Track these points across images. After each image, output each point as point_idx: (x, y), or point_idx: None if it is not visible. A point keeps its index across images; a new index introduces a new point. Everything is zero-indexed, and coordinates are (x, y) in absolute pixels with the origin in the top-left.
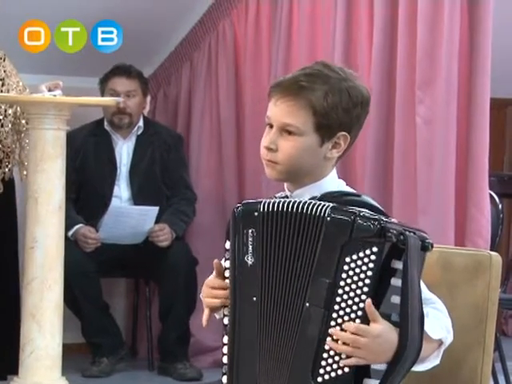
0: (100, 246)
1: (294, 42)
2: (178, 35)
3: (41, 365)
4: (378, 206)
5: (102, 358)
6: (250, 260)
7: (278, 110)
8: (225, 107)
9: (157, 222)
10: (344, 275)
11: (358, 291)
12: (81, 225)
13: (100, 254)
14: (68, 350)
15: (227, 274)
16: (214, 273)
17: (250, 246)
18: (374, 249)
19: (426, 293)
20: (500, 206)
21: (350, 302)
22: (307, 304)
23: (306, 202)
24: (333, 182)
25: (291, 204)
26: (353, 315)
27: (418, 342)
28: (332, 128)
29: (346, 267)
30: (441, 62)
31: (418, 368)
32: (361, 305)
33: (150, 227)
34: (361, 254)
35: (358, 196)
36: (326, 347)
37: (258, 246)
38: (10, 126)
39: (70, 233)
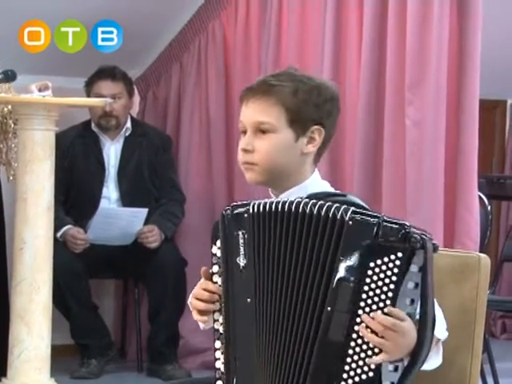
0: (89, 247)
1: (284, 43)
2: (167, 36)
3: (29, 366)
4: (365, 205)
5: (91, 360)
6: (242, 262)
7: (250, 111)
8: (214, 108)
9: (146, 223)
10: (368, 280)
11: (383, 296)
12: (69, 226)
13: (89, 255)
14: (56, 352)
15: (215, 278)
16: (202, 280)
17: (242, 248)
18: (399, 254)
19: None
20: (489, 208)
21: (374, 307)
22: (329, 308)
23: (303, 202)
24: (316, 184)
25: (281, 204)
26: None
27: (430, 344)
28: (305, 123)
29: (369, 272)
30: (430, 63)
31: (424, 367)
32: (385, 310)
33: (139, 228)
34: (385, 259)
35: (344, 196)
36: (350, 352)
37: (250, 248)
38: None
39: (59, 234)
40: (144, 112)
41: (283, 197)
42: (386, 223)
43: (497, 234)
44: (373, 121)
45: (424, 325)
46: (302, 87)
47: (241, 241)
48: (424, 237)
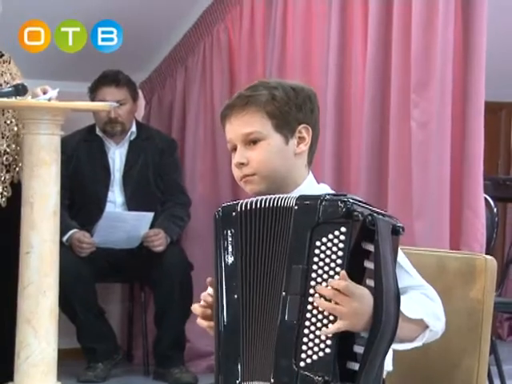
0: (95, 251)
1: (289, 46)
2: (172, 40)
3: (36, 370)
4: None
5: (97, 364)
6: (230, 259)
7: (234, 127)
8: (219, 112)
9: (151, 226)
10: (316, 259)
11: (331, 272)
12: (75, 230)
13: (95, 259)
14: (63, 356)
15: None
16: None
17: (230, 246)
18: (343, 229)
19: (417, 279)
20: (495, 210)
21: (324, 285)
22: (283, 293)
23: (275, 197)
24: (313, 187)
25: (263, 201)
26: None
27: (394, 321)
28: (290, 124)
29: (317, 251)
30: (435, 65)
31: (399, 347)
32: (336, 277)
33: (145, 232)
34: (330, 236)
35: (344, 195)
36: (306, 331)
37: (237, 245)
38: (15, 129)
39: (65, 238)
40: (149, 116)
41: None
42: (327, 202)
43: (503, 236)
44: (378, 123)
45: (380, 299)
46: (278, 92)
47: (229, 239)
48: (375, 214)
